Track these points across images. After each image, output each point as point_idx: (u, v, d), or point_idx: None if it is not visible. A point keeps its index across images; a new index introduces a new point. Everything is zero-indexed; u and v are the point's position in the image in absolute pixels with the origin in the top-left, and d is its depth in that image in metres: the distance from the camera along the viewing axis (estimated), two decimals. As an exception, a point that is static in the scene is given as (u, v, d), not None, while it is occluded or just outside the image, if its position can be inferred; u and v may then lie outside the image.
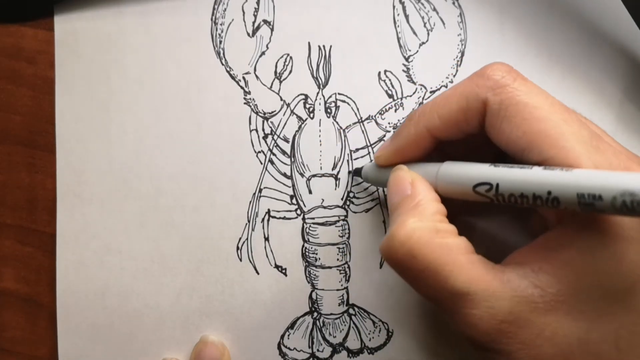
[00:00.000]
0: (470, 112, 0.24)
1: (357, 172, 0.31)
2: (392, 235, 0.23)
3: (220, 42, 0.31)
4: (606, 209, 0.19)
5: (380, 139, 0.32)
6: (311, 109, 0.31)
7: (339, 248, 0.31)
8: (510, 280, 0.22)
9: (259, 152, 0.31)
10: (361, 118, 0.32)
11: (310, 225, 0.31)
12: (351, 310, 0.32)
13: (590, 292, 0.21)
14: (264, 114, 0.31)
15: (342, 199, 0.32)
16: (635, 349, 0.21)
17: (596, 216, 0.21)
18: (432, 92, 0.32)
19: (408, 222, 0.23)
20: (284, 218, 0.31)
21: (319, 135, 0.31)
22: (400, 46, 0.32)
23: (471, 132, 0.24)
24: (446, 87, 0.32)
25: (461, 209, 0.28)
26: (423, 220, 0.23)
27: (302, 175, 0.32)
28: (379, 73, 0.31)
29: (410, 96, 0.32)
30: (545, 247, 0.22)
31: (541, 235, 0.23)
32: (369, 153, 0.32)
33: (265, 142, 0.31)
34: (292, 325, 0.32)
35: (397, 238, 0.23)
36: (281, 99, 0.31)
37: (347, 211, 0.31)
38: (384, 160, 0.27)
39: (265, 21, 0.31)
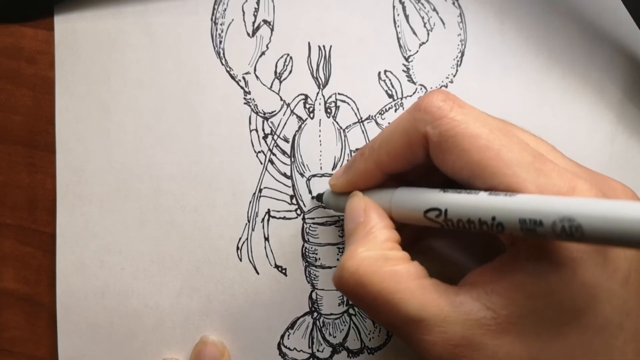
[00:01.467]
0: (415, 146, 0.24)
1: (318, 198, 0.31)
2: (342, 266, 0.23)
3: (220, 42, 0.31)
4: (548, 235, 0.19)
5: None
6: (311, 109, 0.31)
7: (339, 248, 0.31)
8: (463, 303, 0.21)
9: (259, 152, 0.31)
10: (361, 118, 0.32)
11: (310, 225, 0.31)
12: (351, 310, 0.32)
13: (543, 314, 0.21)
14: (264, 114, 0.31)
15: (342, 199, 0.32)
16: None
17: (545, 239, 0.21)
18: (432, 92, 0.32)
19: (357, 251, 0.23)
20: (284, 218, 0.31)
21: (319, 135, 0.31)
22: (400, 46, 0.32)
23: (420, 163, 0.24)
24: (446, 87, 0.32)
25: (421, 234, 0.28)
26: (372, 248, 0.23)
27: (302, 175, 0.32)
28: (379, 73, 0.31)
29: (410, 96, 0.32)
30: (498, 269, 0.22)
31: (496, 257, 0.23)
32: (369, 153, 0.32)
33: (265, 142, 0.31)
34: (292, 325, 0.32)
35: (346, 269, 0.23)
36: (281, 99, 0.31)
37: (347, 211, 0.31)
38: (338, 189, 0.28)
39: (265, 21, 0.31)
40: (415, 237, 0.28)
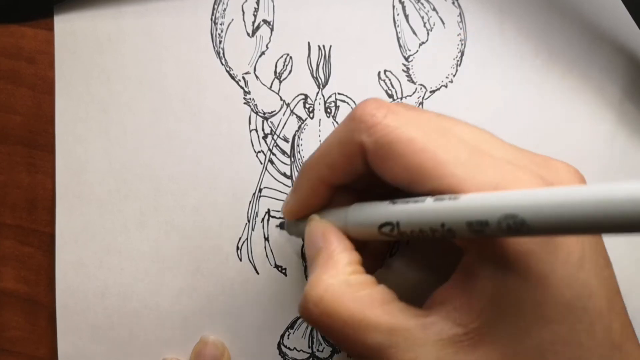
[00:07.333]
0: (353, 157, 0.23)
1: (282, 226, 0.31)
2: (306, 297, 0.23)
3: (220, 42, 0.31)
4: (497, 233, 0.19)
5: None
6: (311, 109, 0.31)
7: (338, 248, 0.31)
8: (434, 323, 0.21)
9: (259, 152, 0.31)
10: (361, 118, 0.32)
11: (310, 225, 0.31)
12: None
13: (507, 316, 0.21)
14: (264, 113, 0.31)
15: (342, 199, 0.31)
16: (561, 355, 0.21)
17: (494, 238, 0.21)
18: (432, 91, 0.32)
19: (319, 279, 0.23)
20: (284, 218, 0.31)
21: (319, 135, 0.31)
22: (400, 46, 0.32)
23: (363, 173, 0.24)
24: (446, 86, 0.32)
25: (388, 250, 0.28)
26: (335, 275, 0.23)
27: (302, 175, 0.31)
28: (379, 73, 0.31)
29: (410, 96, 0.32)
30: (459, 281, 0.22)
31: (457, 269, 0.22)
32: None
33: (265, 142, 0.31)
34: (292, 325, 0.32)
35: (311, 299, 0.23)
36: (281, 99, 0.31)
37: (347, 211, 0.31)
38: (291, 216, 0.27)
39: (265, 21, 0.31)
40: (383, 252, 0.28)
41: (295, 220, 0.28)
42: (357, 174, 0.24)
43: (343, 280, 0.23)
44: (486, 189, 0.20)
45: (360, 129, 0.23)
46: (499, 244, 0.21)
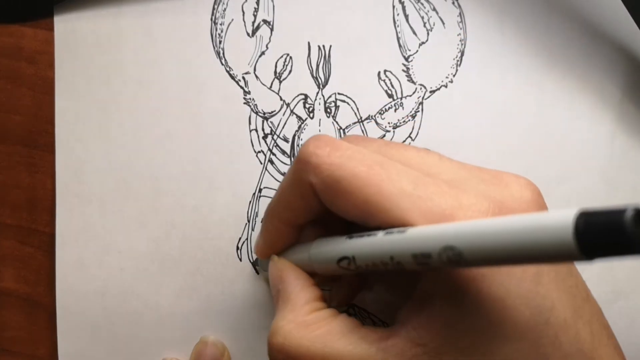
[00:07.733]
0: (308, 198, 0.24)
1: (256, 263, 0.31)
2: (269, 344, 0.23)
3: (220, 42, 0.31)
4: (440, 265, 0.19)
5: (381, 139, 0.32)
6: (311, 109, 0.31)
7: (338, 248, 0.31)
8: (394, 345, 0.21)
9: (259, 152, 0.31)
10: (361, 118, 0.32)
11: (310, 225, 0.31)
12: (351, 310, 0.32)
13: (466, 336, 0.21)
14: (264, 113, 0.31)
15: (342, 199, 0.31)
16: None
17: None
18: (432, 91, 0.32)
19: (278, 327, 0.23)
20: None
21: (319, 135, 0.31)
22: (400, 46, 0.32)
23: (323, 208, 0.24)
24: (446, 86, 0.32)
25: (363, 281, 0.28)
26: (293, 319, 0.23)
27: (302, 175, 0.31)
28: (379, 73, 0.31)
29: (410, 96, 0.32)
30: (418, 302, 0.22)
31: (416, 290, 0.23)
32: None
33: (265, 142, 0.31)
34: (292, 325, 0.32)
35: (274, 347, 0.23)
36: (281, 99, 0.31)
37: (347, 211, 0.31)
38: (263, 256, 0.28)
39: (265, 21, 0.31)
40: (359, 281, 0.28)
41: (267, 259, 0.28)
42: (317, 212, 0.25)
43: (300, 322, 0.23)
44: (433, 218, 0.20)
45: (307, 169, 0.23)
46: (450, 270, 0.21)
